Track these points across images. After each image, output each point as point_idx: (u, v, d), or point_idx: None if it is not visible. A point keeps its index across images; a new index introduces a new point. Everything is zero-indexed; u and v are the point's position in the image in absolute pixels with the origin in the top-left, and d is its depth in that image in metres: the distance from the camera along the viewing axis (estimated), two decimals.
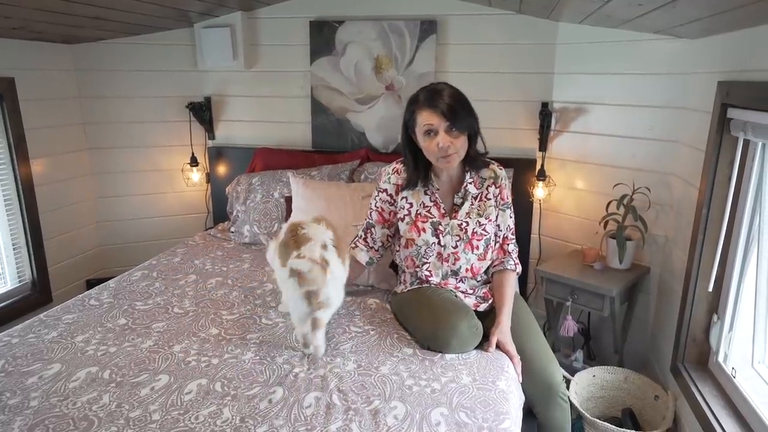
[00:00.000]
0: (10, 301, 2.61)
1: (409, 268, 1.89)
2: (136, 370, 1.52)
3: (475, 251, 1.83)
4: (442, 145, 1.67)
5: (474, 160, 1.82)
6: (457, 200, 1.84)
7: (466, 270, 1.84)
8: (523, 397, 1.64)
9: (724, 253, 1.82)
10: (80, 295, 2.04)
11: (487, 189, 1.85)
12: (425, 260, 1.84)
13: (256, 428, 1.27)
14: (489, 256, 1.86)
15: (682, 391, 1.91)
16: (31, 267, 2.72)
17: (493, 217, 1.85)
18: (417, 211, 1.84)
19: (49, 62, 2.79)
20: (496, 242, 1.88)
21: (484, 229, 1.83)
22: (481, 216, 1.83)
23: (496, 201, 1.86)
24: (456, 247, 1.81)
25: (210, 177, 3.21)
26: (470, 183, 1.84)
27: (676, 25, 1.96)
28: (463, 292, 1.85)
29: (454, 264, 1.83)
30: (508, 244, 1.91)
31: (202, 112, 3.08)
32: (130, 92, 3.04)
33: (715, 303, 1.88)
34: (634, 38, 2.30)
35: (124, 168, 3.13)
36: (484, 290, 1.89)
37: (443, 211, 1.83)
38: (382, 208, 1.92)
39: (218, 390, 1.42)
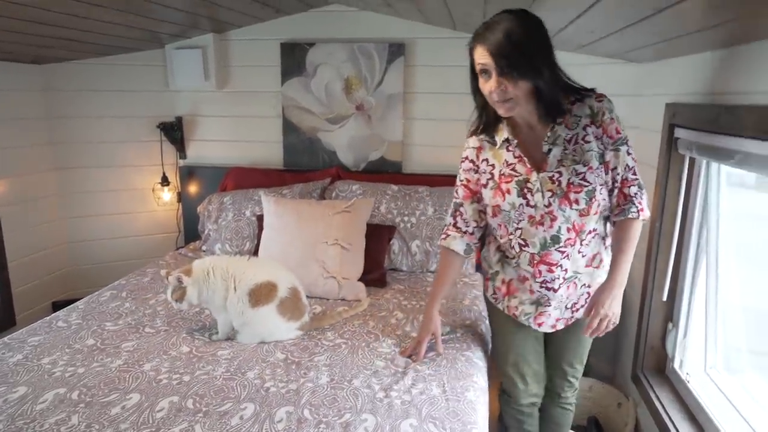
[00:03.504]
0: None
1: (503, 238, 1.58)
2: (106, 389, 1.49)
3: (575, 206, 1.45)
4: (493, 89, 1.36)
5: (551, 107, 1.42)
6: (545, 148, 1.48)
7: (568, 230, 1.48)
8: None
9: (676, 264, 1.92)
10: (47, 318, 2.00)
11: (584, 129, 1.45)
12: (516, 226, 1.53)
13: None
14: (594, 209, 1.47)
15: (642, 397, 1.98)
16: None
17: (594, 164, 1.45)
18: (501, 171, 1.53)
19: (17, 82, 2.76)
20: (603, 193, 1.49)
21: (583, 179, 1.45)
22: (578, 163, 1.45)
23: (599, 143, 1.46)
24: (549, 204, 1.46)
25: (181, 196, 3.20)
26: (559, 124, 1.46)
27: (628, 50, 2.08)
28: (555, 289, 1.54)
29: (551, 226, 1.48)
30: (629, 186, 1.48)
31: (174, 132, 3.08)
32: (101, 112, 3.02)
33: (670, 312, 1.97)
34: (592, 62, 2.42)
35: (94, 188, 3.10)
36: (589, 288, 1.58)
37: (529, 166, 1.48)
38: (468, 180, 1.63)
39: (190, 407, 1.42)
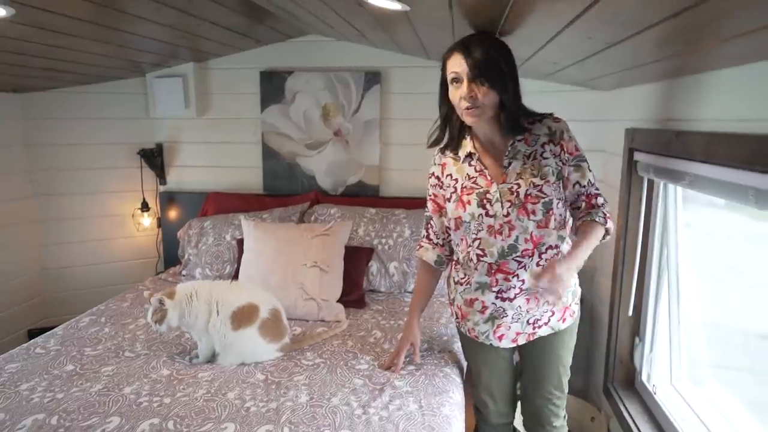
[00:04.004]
0: None
1: (463, 252, 1.62)
2: (86, 414, 1.50)
3: (533, 216, 1.50)
4: (464, 94, 1.42)
5: (513, 121, 1.50)
6: (506, 161, 1.55)
7: (525, 240, 1.52)
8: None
9: (640, 280, 2.00)
10: (24, 345, 1.99)
11: (542, 147, 1.53)
12: (475, 236, 1.57)
13: None
14: (552, 223, 1.52)
15: (613, 410, 2.04)
16: None
17: (551, 179, 1.52)
18: (463, 184, 1.60)
19: None
20: (560, 207, 1.54)
21: (540, 191, 1.51)
22: (535, 176, 1.51)
23: (557, 160, 1.53)
24: (508, 214, 1.52)
25: (161, 222, 3.21)
26: (519, 141, 1.54)
27: (590, 79, 2.20)
28: (510, 299, 1.57)
29: (509, 235, 1.52)
30: (596, 197, 1.56)
31: (154, 158, 3.12)
32: (81, 139, 3.05)
33: (637, 326, 2.04)
34: (558, 89, 2.53)
35: (73, 214, 3.10)
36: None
37: (490, 179, 1.55)
38: (434, 194, 1.71)
39: (171, 428, 1.43)
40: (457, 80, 1.45)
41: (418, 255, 1.81)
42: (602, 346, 2.29)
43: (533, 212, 1.51)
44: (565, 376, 1.73)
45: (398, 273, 2.57)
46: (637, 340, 2.03)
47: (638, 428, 1.81)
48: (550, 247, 1.54)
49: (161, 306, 1.80)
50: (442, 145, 1.65)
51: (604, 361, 2.23)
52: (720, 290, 1.74)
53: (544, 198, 1.51)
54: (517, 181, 1.52)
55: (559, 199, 1.53)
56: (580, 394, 2.52)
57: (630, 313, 2.03)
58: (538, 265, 1.53)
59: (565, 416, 1.78)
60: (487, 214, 1.55)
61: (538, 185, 1.51)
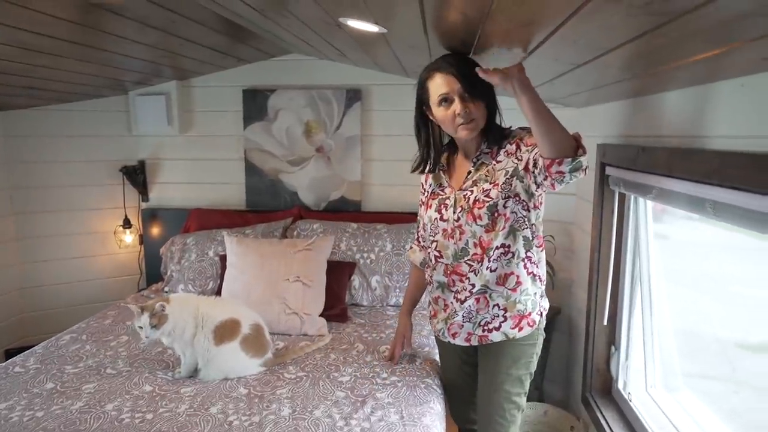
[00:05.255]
0: None
1: (429, 251, 1.71)
2: (67, 431, 1.51)
3: (479, 221, 1.54)
4: (459, 111, 1.47)
5: (494, 133, 1.58)
6: (468, 170, 1.62)
7: (474, 245, 1.56)
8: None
9: (614, 291, 2.05)
10: (2, 364, 1.98)
11: (500, 153, 1.58)
12: (432, 238, 1.67)
13: None
14: (500, 225, 1.54)
15: (591, 419, 2.08)
16: None
17: (501, 180, 1.54)
18: (432, 190, 1.71)
19: None
20: (510, 204, 1.53)
21: (487, 195, 1.54)
22: (487, 182, 1.56)
23: (513, 158, 1.54)
24: (458, 219, 1.59)
25: (143, 238, 3.22)
26: (486, 153, 1.60)
27: (563, 96, 2.28)
28: (462, 300, 1.61)
29: (460, 239, 1.59)
30: None
31: (136, 175, 3.13)
32: (62, 157, 3.05)
33: (612, 336, 2.09)
34: None
35: (53, 232, 3.09)
36: (502, 307, 1.60)
37: (452, 186, 1.65)
38: (421, 201, 1.78)
39: None
40: (446, 100, 1.50)
41: (407, 256, 1.89)
42: (580, 356, 2.34)
43: (479, 217, 1.55)
44: (516, 396, 1.67)
45: (380, 287, 2.61)
46: (613, 348, 2.08)
47: None
48: (498, 247, 1.56)
49: (162, 311, 1.80)
50: (426, 170, 1.71)
51: (581, 371, 2.28)
52: (697, 300, 1.77)
53: (489, 202, 1.54)
54: (471, 188, 1.59)
55: (508, 197, 1.53)
56: (559, 404, 2.57)
57: (605, 322, 2.08)
58: (488, 269, 1.57)
59: None
60: (441, 219, 1.64)
61: (487, 190, 1.56)
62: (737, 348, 1.56)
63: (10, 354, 2.81)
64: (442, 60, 1.52)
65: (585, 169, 1.35)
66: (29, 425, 1.54)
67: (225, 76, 3.05)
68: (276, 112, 3.01)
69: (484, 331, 1.63)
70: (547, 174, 1.37)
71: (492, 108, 1.56)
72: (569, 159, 1.32)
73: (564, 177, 1.35)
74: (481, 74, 1.37)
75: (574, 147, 1.33)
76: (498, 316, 1.61)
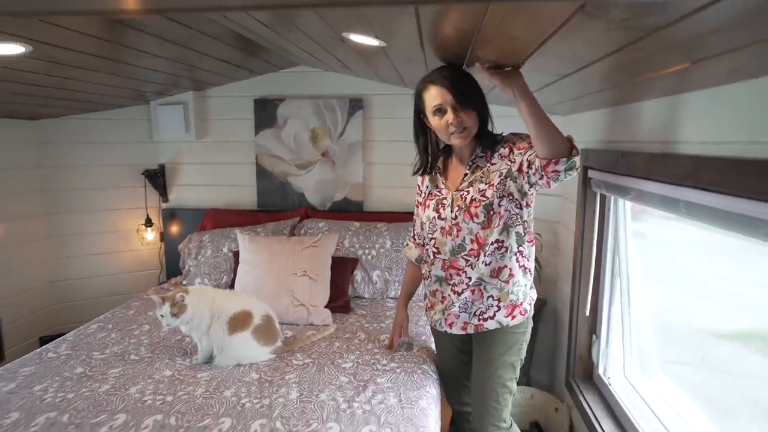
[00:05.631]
0: None
1: (427, 247, 1.71)
2: (95, 412, 1.52)
3: (476, 219, 1.55)
4: (452, 121, 1.49)
5: (486, 139, 1.58)
6: (464, 173, 1.63)
7: (471, 241, 1.57)
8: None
9: (596, 284, 2.05)
10: (37, 350, 1.99)
11: (494, 157, 1.58)
12: (431, 236, 1.67)
13: None
14: (495, 222, 1.54)
15: (574, 402, 2.08)
16: None
17: (495, 181, 1.54)
18: (429, 192, 1.71)
19: (12, 136, 2.78)
20: (505, 203, 1.54)
21: (483, 195, 1.55)
22: (482, 182, 1.57)
23: (506, 160, 1.54)
24: (456, 218, 1.59)
25: (163, 236, 3.22)
26: (481, 156, 1.60)
27: (549, 105, 2.27)
28: (459, 293, 1.62)
29: (457, 236, 1.59)
30: None
31: (157, 178, 3.13)
32: (90, 161, 3.06)
33: (594, 325, 2.09)
34: None
35: (81, 230, 3.10)
36: (495, 298, 1.61)
37: (449, 188, 1.65)
38: (417, 202, 1.79)
39: (173, 423, 1.45)
40: (440, 110, 1.51)
41: (403, 252, 1.88)
42: (564, 344, 2.34)
43: (476, 215, 1.55)
44: (508, 381, 1.67)
45: (380, 281, 2.61)
46: (594, 337, 2.08)
47: (596, 416, 1.85)
48: (493, 243, 1.56)
49: (182, 301, 1.81)
50: (423, 172, 1.73)
51: (565, 358, 2.28)
52: (672, 293, 1.77)
53: (485, 201, 1.54)
54: (467, 189, 1.59)
55: (502, 197, 1.54)
56: (545, 388, 2.58)
57: (587, 313, 2.08)
58: (483, 263, 1.58)
59: (509, 422, 1.72)
60: (439, 217, 1.64)
61: (482, 190, 1.56)
62: (711, 337, 1.57)
63: (44, 341, 2.83)
64: (436, 72, 1.53)
65: (578, 168, 1.37)
66: (61, 405, 1.56)
67: (238, 87, 3.06)
68: (285, 120, 3.02)
69: (479, 320, 1.63)
70: (543, 173, 1.38)
71: (484, 116, 1.56)
72: (564, 159, 1.34)
73: (559, 175, 1.36)
74: (482, 72, 1.36)
75: (568, 148, 1.35)
76: (492, 306, 1.61)
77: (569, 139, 1.37)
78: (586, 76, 1.36)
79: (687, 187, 1.22)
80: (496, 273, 1.59)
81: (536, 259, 2.50)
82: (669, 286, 1.76)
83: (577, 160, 1.36)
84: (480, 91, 1.53)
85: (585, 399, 1.98)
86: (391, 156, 2.98)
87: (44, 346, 2.03)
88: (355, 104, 2.95)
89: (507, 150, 1.56)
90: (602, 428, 1.78)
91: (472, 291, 1.61)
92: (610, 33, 0.89)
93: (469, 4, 0.93)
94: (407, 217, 2.77)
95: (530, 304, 1.67)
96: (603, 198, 1.98)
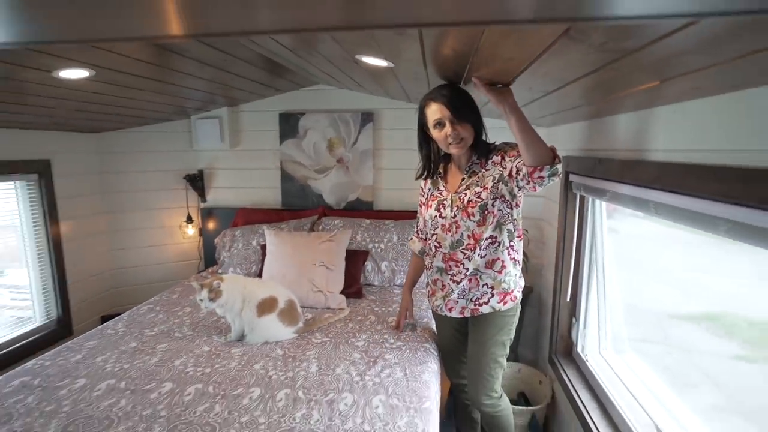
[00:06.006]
0: (40, 335, 2.54)
1: (429, 242, 1.71)
2: (146, 380, 1.54)
3: (472, 218, 1.56)
4: (450, 133, 1.50)
5: (481, 148, 1.59)
6: (462, 177, 1.64)
7: (468, 237, 1.58)
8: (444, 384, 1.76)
9: (575, 274, 2.04)
10: (99, 327, 2.02)
11: (492, 164, 1.58)
12: (433, 232, 1.67)
13: (240, 418, 1.32)
14: (489, 220, 1.55)
15: (556, 375, 2.07)
16: (57, 307, 2.66)
17: (489, 184, 1.55)
18: (431, 193, 1.71)
19: (78, 147, 2.82)
20: (498, 204, 1.55)
21: (478, 196, 1.56)
22: (478, 186, 1.58)
23: (498, 167, 1.55)
24: (455, 216, 1.60)
25: (202, 231, 3.24)
26: (476, 163, 1.61)
27: (534, 118, 2.26)
28: (458, 282, 1.63)
29: (456, 232, 1.60)
30: None
31: (196, 182, 3.15)
32: (140, 168, 3.09)
33: (573, 309, 2.08)
34: None
35: (134, 226, 3.13)
36: (489, 286, 1.61)
37: (449, 191, 1.65)
38: (420, 202, 1.78)
39: (211, 391, 1.47)
40: (440, 124, 1.52)
41: (408, 246, 1.87)
42: (547, 326, 2.33)
43: (472, 214, 1.57)
44: (500, 357, 1.67)
45: (388, 270, 2.61)
46: (573, 319, 2.07)
47: (574, 388, 1.85)
48: (487, 238, 1.57)
49: (218, 287, 1.83)
50: (427, 177, 1.74)
51: (548, 337, 2.27)
52: (639, 280, 1.77)
53: (480, 202, 1.56)
54: (465, 191, 1.60)
55: (495, 198, 1.55)
56: (531, 363, 2.57)
57: (568, 299, 2.07)
58: (478, 255, 1.58)
59: (499, 393, 1.72)
60: (440, 216, 1.64)
61: (478, 192, 1.57)
62: (670, 318, 1.58)
63: (104, 319, 2.88)
64: (436, 90, 1.53)
65: (560, 174, 1.38)
66: (118, 374, 1.58)
67: (265, 103, 3.06)
68: (305, 131, 3.02)
69: (475, 305, 1.64)
70: (530, 179, 1.38)
71: (478, 128, 1.56)
72: (548, 166, 1.35)
73: (544, 181, 1.37)
74: (478, 88, 1.36)
75: (551, 157, 1.35)
76: (487, 293, 1.62)
77: (552, 149, 1.36)
78: (568, 93, 1.35)
79: (655, 189, 1.22)
80: (490, 264, 1.59)
81: (524, 252, 2.50)
82: (637, 275, 1.76)
83: (560, 167, 1.36)
84: (475, 107, 1.53)
85: (565, 373, 1.98)
86: (397, 162, 2.98)
87: (104, 324, 2.06)
88: (366, 117, 2.94)
89: (499, 158, 1.56)
90: (580, 398, 1.77)
91: (469, 280, 1.62)
92: (590, 55, 0.88)
93: (466, 27, 0.93)
94: (411, 215, 2.77)
95: (519, 291, 1.67)
96: (582, 199, 1.97)
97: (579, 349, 2.01)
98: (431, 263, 1.71)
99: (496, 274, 1.60)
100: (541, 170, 1.35)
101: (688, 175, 1.03)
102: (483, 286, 1.62)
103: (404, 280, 2.51)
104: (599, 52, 0.85)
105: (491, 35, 0.94)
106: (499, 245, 1.58)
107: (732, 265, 1.26)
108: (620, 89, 1.15)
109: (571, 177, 1.98)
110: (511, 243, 1.60)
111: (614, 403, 1.60)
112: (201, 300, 1.81)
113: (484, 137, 1.60)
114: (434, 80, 1.66)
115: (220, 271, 2.76)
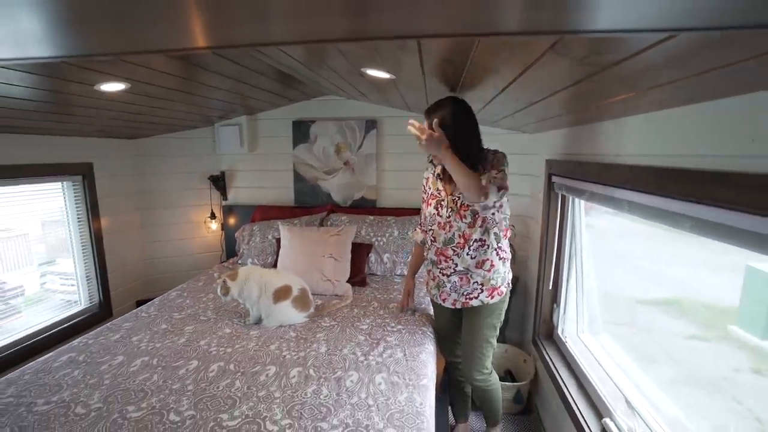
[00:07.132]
0: (84, 316, 2.56)
1: (427, 234, 1.71)
2: (175, 358, 1.55)
3: (464, 220, 1.57)
4: (421, 150, 1.47)
5: (471, 159, 1.52)
6: None
7: (459, 236, 1.58)
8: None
9: (557, 264, 2.04)
10: (134, 310, 2.03)
11: (481, 170, 1.54)
12: (431, 227, 1.68)
13: (257, 393, 1.33)
14: (479, 223, 1.56)
15: (539, 355, 2.08)
16: (99, 292, 2.68)
17: None
18: (431, 192, 1.70)
19: (116, 151, 2.83)
20: (484, 214, 1.56)
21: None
22: None
23: (486, 174, 1.52)
24: (449, 216, 1.60)
25: (223, 226, 3.25)
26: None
27: (520, 126, 2.25)
28: (447, 275, 1.64)
29: (449, 231, 1.60)
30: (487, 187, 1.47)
31: (219, 182, 3.15)
32: (170, 170, 3.09)
33: (555, 296, 2.08)
34: (502, 132, 2.58)
35: (164, 221, 3.14)
36: (479, 281, 1.61)
37: (446, 192, 1.64)
38: (423, 198, 1.76)
39: (232, 369, 1.48)
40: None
41: (411, 236, 1.89)
42: (532, 311, 2.33)
43: (464, 216, 1.58)
44: (491, 338, 1.68)
45: (390, 261, 2.60)
46: (555, 305, 2.07)
47: (555, 365, 1.85)
48: (476, 240, 1.58)
49: (226, 285, 1.85)
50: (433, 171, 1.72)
51: (532, 321, 2.27)
52: (612, 270, 1.78)
53: (471, 206, 1.57)
54: (459, 195, 1.59)
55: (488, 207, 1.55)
56: (516, 344, 2.57)
57: (550, 287, 2.07)
58: (468, 255, 1.58)
59: (490, 369, 1.74)
60: (437, 214, 1.65)
61: None
62: (637, 303, 1.59)
63: (139, 303, 2.89)
64: (437, 106, 1.51)
65: (493, 206, 1.52)
66: (151, 352, 1.59)
67: (280, 112, 3.05)
68: (315, 137, 3.01)
69: (466, 299, 1.65)
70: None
71: (463, 144, 1.48)
72: (479, 203, 1.49)
73: (478, 211, 1.52)
74: (410, 128, 1.41)
75: (480, 195, 1.43)
76: (477, 289, 1.63)
77: (484, 189, 1.43)
78: (551, 103, 1.35)
79: (628, 189, 1.21)
80: (480, 265, 1.60)
81: (511, 246, 2.49)
82: (610, 264, 1.76)
83: (489, 202, 1.48)
84: (458, 129, 1.48)
85: (547, 352, 1.98)
86: (398, 164, 2.97)
87: (139, 308, 2.07)
88: (371, 124, 2.93)
89: (488, 168, 1.53)
90: (559, 374, 1.78)
91: (461, 278, 1.62)
92: (572, 68, 0.88)
93: (462, 38, 0.92)
94: (411, 212, 2.77)
95: (507, 287, 1.67)
96: (563, 198, 1.97)
97: (559, 332, 2.01)
98: (427, 255, 1.72)
99: (485, 273, 1.61)
100: (474, 204, 1.49)
101: (657, 177, 1.03)
102: (473, 283, 1.62)
103: (404, 271, 2.52)
104: (581, 66, 0.85)
105: (484, 47, 0.93)
106: (488, 248, 1.58)
107: (689, 255, 1.27)
108: (599, 100, 1.14)
109: (554, 178, 1.97)
110: (499, 245, 1.61)
111: (589, 379, 1.60)
112: (220, 295, 1.84)
113: (469, 148, 1.53)
114: (431, 90, 1.65)
115: (239, 262, 2.77)
